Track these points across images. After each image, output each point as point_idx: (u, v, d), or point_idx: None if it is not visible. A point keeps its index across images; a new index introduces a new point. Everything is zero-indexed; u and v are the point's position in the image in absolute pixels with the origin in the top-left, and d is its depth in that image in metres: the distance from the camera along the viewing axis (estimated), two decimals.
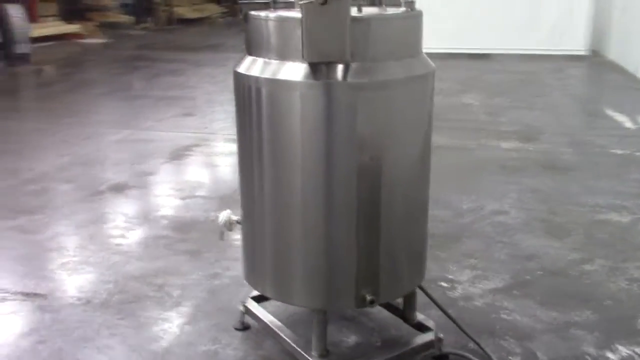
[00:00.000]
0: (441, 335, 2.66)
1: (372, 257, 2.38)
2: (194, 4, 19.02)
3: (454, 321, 2.74)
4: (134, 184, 4.89)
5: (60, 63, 11.46)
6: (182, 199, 4.55)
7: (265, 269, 2.51)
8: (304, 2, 2.07)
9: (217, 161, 5.61)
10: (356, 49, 2.18)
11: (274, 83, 2.25)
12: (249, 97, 2.34)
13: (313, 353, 2.47)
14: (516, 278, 3.39)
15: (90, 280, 3.38)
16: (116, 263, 3.56)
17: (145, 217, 4.25)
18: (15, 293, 3.24)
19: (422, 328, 2.72)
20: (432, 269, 3.44)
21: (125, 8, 16.35)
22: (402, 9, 2.36)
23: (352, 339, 2.83)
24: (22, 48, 11.41)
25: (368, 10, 2.34)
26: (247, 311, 2.85)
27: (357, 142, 2.24)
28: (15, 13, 11.37)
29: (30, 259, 3.66)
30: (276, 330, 2.67)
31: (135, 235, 3.95)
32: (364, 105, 2.22)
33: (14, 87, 9.69)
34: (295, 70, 2.21)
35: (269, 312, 2.80)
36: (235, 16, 19.57)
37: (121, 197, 4.63)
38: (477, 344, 2.69)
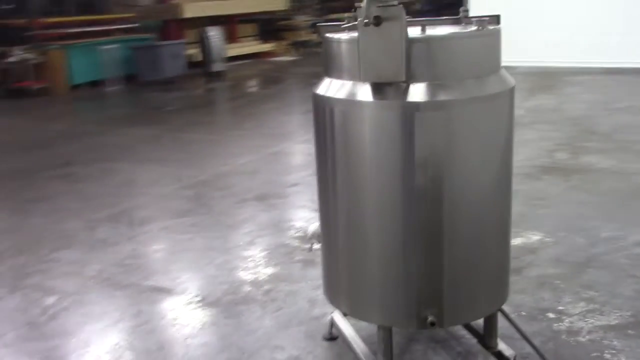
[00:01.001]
0: None
1: (434, 279, 2.34)
2: None
3: (536, 349, 2.60)
4: (277, 194, 5.18)
5: (249, 79, 12.36)
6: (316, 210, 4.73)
7: (339, 285, 2.57)
8: (360, 23, 2.13)
9: None
10: (416, 69, 2.18)
11: (344, 103, 2.30)
12: (324, 118, 2.42)
13: None
14: (638, 316, 3.09)
15: (209, 281, 3.67)
16: (236, 267, 3.83)
17: (276, 226, 4.50)
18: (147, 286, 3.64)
19: (501, 357, 2.61)
20: (545, 298, 3.29)
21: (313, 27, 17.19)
22: (473, 28, 2.32)
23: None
24: (218, 66, 12.55)
25: (431, 30, 2.33)
26: (334, 323, 2.93)
27: (414, 163, 2.23)
28: (214, 35, 12.52)
29: (164, 258, 4.07)
30: (352, 343, 2.72)
31: (262, 242, 4.20)
32: (420, 126, 2.20)
33: (205, 102, 10.67)
34: (360, 91, 2.26)
35: (352, 325, 2.86)
36: None
37: (262, 205, 4.94)
38: None
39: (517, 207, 4.56)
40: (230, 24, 14.62)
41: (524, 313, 3.17)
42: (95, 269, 3.88)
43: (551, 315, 3.14)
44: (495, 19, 2.52)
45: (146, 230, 4.49)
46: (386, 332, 2.49)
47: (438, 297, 2.37)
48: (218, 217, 4.70)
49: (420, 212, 2.28)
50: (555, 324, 3.06)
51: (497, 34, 2.36)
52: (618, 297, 3.28)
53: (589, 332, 2.99)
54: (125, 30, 12.82)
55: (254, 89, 11.40)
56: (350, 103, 2.28)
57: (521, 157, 5.80)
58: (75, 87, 11.28)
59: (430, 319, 2.36)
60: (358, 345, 2.70)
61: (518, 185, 4.98)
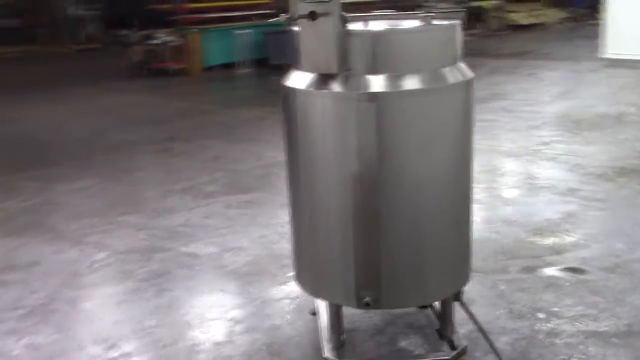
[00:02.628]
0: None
1: (371, 263, 2.46)
2: (532, 9, 18.68)
3: (489, 342, 2.63)
4: None
5: None
6: None
7: (301, 265, 2.74)
8: (300, 17, 2.29)
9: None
10: (354, 62, 2.31)
11: (294, 92, 2.48)
12: (285, 106, 2.58)
13: (327, 344, 2.66)
14: (633, 327, 2.96)
15: (237, 252, 3.99)
16: (273, 241, 4.11)
17: None
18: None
19: (452, 346, 2.67)
20: (544, 299, 3.25)
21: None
22: (421, 24, 2.39)
23: (399, 345, 2.91)
24: None
25: (379, 25, 2.43)
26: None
27: (350, 150, 2.36)
28: None
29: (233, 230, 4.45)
30: (320, 318, 2.90)
31: None
32: (353, 116, 2.33)
33: None
34: (305, 81, 2.43)
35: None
36: (578, 21, 18.63)
37: None
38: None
39: (569, 207, 4.48)
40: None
41: (513, 309, 3.15)
42: (147, 233, 4.35)
43: (540, 315, 3.10)
44: (459, 15, 2.55)
45: (206, 203, 4.90)
46: (333, 309, 2.64)
47: (376, 279, 2.48)
48: (274, 196, 4.99)
49: (357, 197, 2.41)
50: (539, 324, 3.02)
51: (444, 29, 2.42)
52: (624, 306, 3.15)
53: (570, 335, 2.92)
54: (263, 16, 13.47)
55: None
56: (297, 92, 2.45)
57: (605, 157, 5.53)
58: (209, 68, 12.12)
59: (366, 299, 2.49)
60: (323, 320, 2.88)
61: (583, 185, 4.83)
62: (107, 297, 3.48)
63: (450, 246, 2.58)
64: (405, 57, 2.34)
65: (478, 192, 4.62)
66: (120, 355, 2.92)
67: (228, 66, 12.26)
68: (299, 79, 2.46)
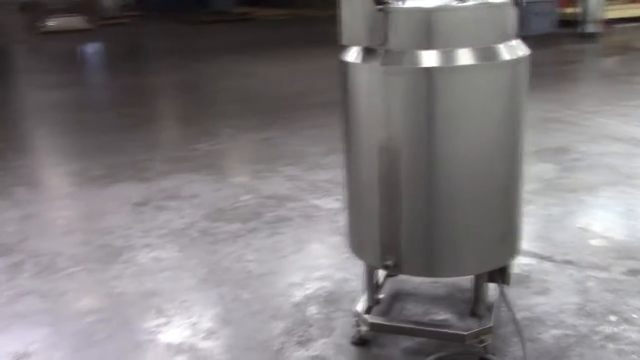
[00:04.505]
0: (482, 339, 2.62)
1: (393, 229, 2.61)
2: None
3: (515, 322, 2.63)
4: None
5: (628, 45, 11.43)
6: None
7: (349, 227, 2.89)
8: None
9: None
10: (392, 36, 2.45)
11: (345, 65, 2.66)
12: (341, 79, 2.76)
13: (361, 300, 2.88)
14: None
15: None
16: None
17: None
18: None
19: (480, 322, 2.71)
20: (630, 304, 3.04)
21: None
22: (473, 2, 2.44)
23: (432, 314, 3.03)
24: (592, 27, 11.97)
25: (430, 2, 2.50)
26: None
27: (379, 121, 2.52)
28: None
29: None
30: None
31: None
32: (390, 88, 2.48)
33: (558, 62, 10.43)
34: (352, 55, 2.62)
35: None
36: None
37: None
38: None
39: None
40: None
41: (586, 307, 3.03)
42: (293, 183, 4.84)
43: (612, 317, 2.94)
44: None
45: None
46: (367, 268, 2.84)
47: (397, 247, 2.63)
48: None
49: (383, 165, 2.57)
50: (603, 326, 2.87)
51: (486, 9, 2.43)
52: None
53: (629, 343, 2.75)
54: None
55: (623, 57, 10.60)
56: (347, 65, 2.65)
57: None
58: None
59: (388, 262, 2.65)
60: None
61: None
62: (230, 231, 4.04)
63: (487, 225, 2.60)
64: (442, 34, 2.41)
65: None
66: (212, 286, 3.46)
67: None
68: (349, 53, 2.67)
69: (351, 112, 2.67)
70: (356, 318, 2.82)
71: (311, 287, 3.31)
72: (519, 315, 2.99)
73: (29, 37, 15.33)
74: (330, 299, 3.19)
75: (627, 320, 2.92)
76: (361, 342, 2.83)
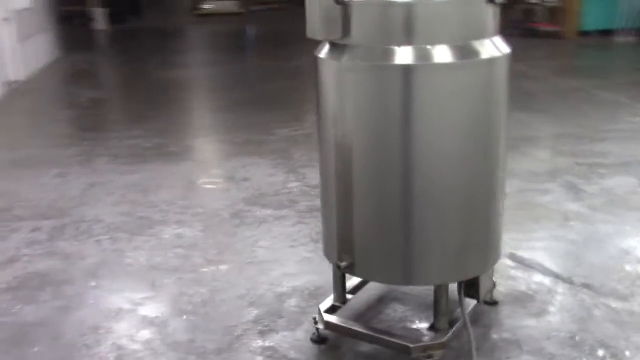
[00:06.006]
0: (431, 353, 2.48)
1: (347, 230, 2.54)
2: None
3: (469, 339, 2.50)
4: None
5: None
6: None
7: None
8: None
9: None
10: (351, 30, 2.37)
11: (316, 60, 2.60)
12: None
13: (328, 302, 2.84)
14: None
15: None
16: None
17: None
18: None
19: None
20: (633, 340, 2.72)
21: None
22: None
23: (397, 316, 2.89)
24: None
25: None
26: None
27: (335, 115, 2.46)
28: None
29: None
30: None
31: None
32: (341, 83, 2.42)
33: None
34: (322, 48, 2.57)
35: None
36: None
37: None
38: None
39: None
40: None
41: (578, 337, 2.75)
42: None
43: (600, 351, 2.64)
44: None
45: None
46: (334, 267, 2.78)
47: (351, 247, 2.56)
48: None
49: (338, 162, 2.51)
50: (584, 358, 2.60)
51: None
52: None
53: None
54: None
55: None
56: (316, 59, 2.59)
57: None
58: (585, 33, 11.31)
59: (342, 263, 2.59)
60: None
61: None
62: (258, 217, 4.12)
63: (448, 233, 2.46)
64: (430, 29, 2.31)
65: None
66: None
67: (607, 33, 11.26)
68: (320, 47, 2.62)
69: (319, 107, 2.62)
70: (315, 316, 2.78)
71: (302, 280, 3.30)
72: (499, 335, 2.80)
73: (188, 19, 16.37)
74: (315, 294, 3.16)
75: (614, 357, 2.62)
76: (319, 340, 2.79)
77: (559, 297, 3.08)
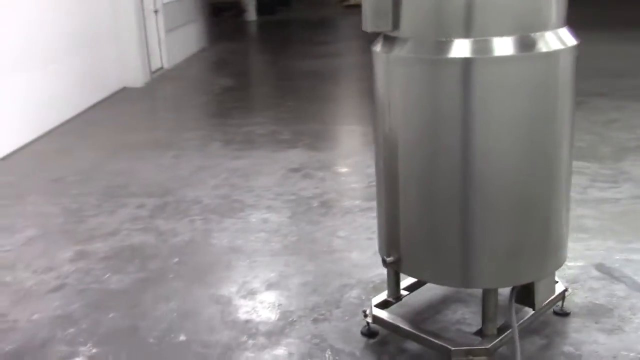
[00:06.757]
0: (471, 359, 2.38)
1: (395, 224, 2.50)
2: None
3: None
4: None
5: None
6: None
7: None
8: None
9: None
10: (403, 24, 2.33)
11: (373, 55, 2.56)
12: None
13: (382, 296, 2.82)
14: None
15: None
16: None
17: None
18: None
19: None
20: None
21: None
22: None
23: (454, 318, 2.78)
24: None
25: None
26: None
27: (387, 107, 2.43)
28: None
29: None
30: None
31: None
32: (390, 77, 2.38)
33: None
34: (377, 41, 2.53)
35: None
36: None
37: None
38: None
39: None
40: None
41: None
42: None
43: None
44: None
45: None
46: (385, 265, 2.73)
47: (396, 243, 2.52)
48: None
49: (386, 156, 2.48)
50: None
51: None
52: None
53: None
54: None
55: None
56: (372, 51, 2.56)
57: None
58: None
59: (385, 257, 2.56)
60: None
61: None
62: (345, 207, 4.14)
63: (501, 236, 2.35)
64: (490, 20, 2.22)
65: None
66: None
67: None
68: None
69: (374, 101, 2.60)
70: (365, 309, 2.77)
71: (372, 273, 3.28)
72: (559, 348, 2.63)
73: (335, 10, 16.66)
74: (380, 288, 3.14)
75: None
76: (369, 333, 2.77)
77: None
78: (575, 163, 4.57)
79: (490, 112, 2.26)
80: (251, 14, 15.30)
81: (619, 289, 3.03)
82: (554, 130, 2.35)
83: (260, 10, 15.43)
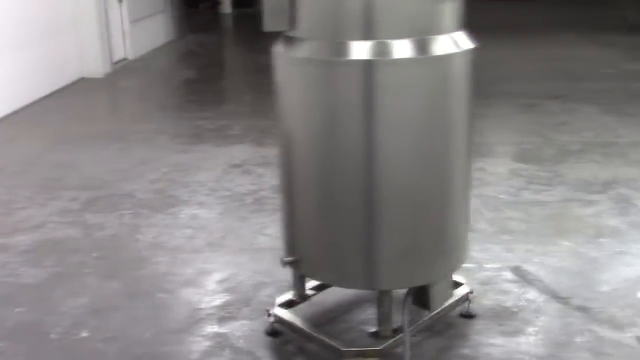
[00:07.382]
0: None
1: (292, 224, 2.50)
2: None
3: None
4: None
5: None
6: None
7: None
8: None
9: None
10: (292, 22, 2.31)
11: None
12: None
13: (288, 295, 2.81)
14: None
15: None
16: None
17: None
18: None
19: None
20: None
21: None
22: None
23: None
24: None
25: None
26: None
27: (289, 111, 2.42)
28: None
29: None
30: None
31: None
32: (303, 80, 2.35)
33: None
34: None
35: None
36: None
37: None
38: None
39: None
40: None
41: None
42: None
43: None
44: None
45: None
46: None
47: (295, 244, 2.52)
48: None
49: (284, 156, 2.48)
50: None
51: None
52: None
53: None
54: None
55: None
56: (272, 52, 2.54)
57: None
58: None
59: (286, 259, 2.55)
60: None
61: None
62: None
63: (391, 237, 2.35)
64: (388, 23, 2.21)
65: None
66: None
67: None
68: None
69: (275, 100, 2.58)
70: (268, 309, 2.76)
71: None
72: (458, 350, 2.64)
73: None
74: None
75: None
76: (273, 333, 2.76)
77: (544, 318, 2.83)
78: (514, 165, 4.79)
79: (387, 114, 2.26)
80: (227, 6, 15.19)
81: (529, 293, 3.03)
82: (449, 133, 2.35)
83: (237, 2, 15.31)
